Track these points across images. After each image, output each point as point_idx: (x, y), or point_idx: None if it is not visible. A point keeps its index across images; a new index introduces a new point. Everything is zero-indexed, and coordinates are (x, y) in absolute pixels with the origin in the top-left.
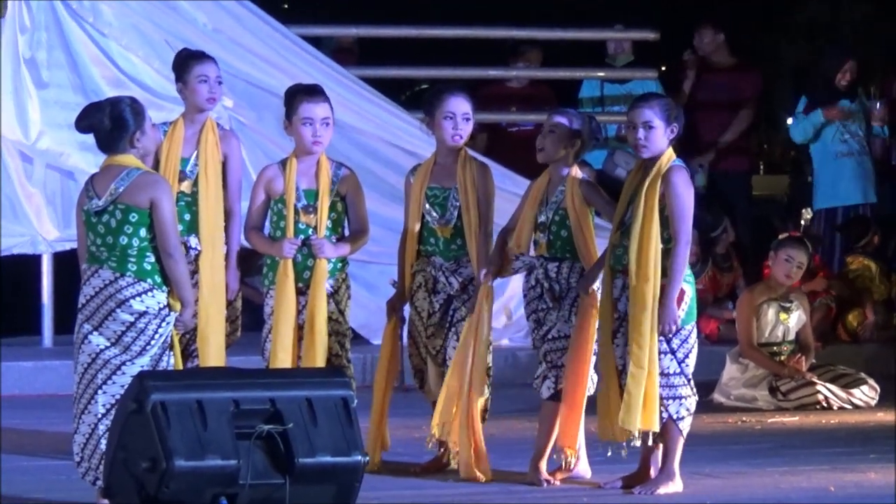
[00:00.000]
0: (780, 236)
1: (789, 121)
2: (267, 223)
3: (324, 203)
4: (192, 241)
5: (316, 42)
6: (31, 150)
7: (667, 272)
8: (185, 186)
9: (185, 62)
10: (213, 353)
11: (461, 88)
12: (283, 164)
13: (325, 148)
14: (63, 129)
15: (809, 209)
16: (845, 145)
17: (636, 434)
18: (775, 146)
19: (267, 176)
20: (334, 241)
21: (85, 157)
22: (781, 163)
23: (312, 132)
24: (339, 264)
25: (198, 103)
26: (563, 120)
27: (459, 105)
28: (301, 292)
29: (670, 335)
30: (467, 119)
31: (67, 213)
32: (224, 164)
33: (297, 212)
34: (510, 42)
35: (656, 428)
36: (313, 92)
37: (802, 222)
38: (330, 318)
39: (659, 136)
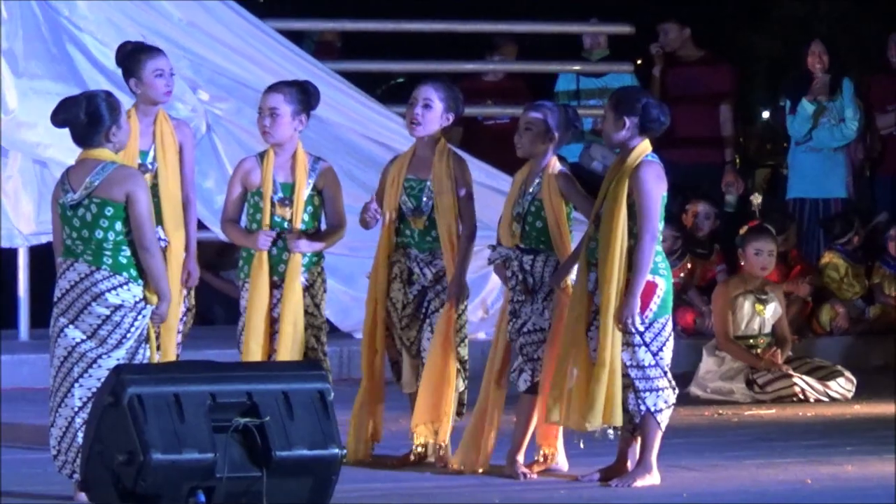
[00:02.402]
0: (741, 230)
1: (765, 115)
2: (243, 216)
3: (300, 196)
4: (160, 232)
5: (296, 36)
6: (10, 141)
7: (632, 266)
8: (147, 179)
9: (136, 57)
10: (173, 343)
11: (437, 78)
12: (261, 156)
13: (277, 139)
14: (41, 120)
15: (757, 194)
16: (813, 141)
17: (598, 430)
18: (751, 140)
19: (244, 168)
20: (310, 234)
21: (63, 149)
22: (757, 157)
23: (262, 123)
24: (315, 258)
25: (155, 98)
26: (537, 115)
27: (420, 91)
28: (276, 286)
29: (639, 329)
30: (426, 105)
31: (43, 205)
32: (180, 153)
33: (273, 205)
34: (486, 36)
35: (618, 422)
36: (272, 85)
37: (754, 209)
38: (306, 312)
39: (608, 126)
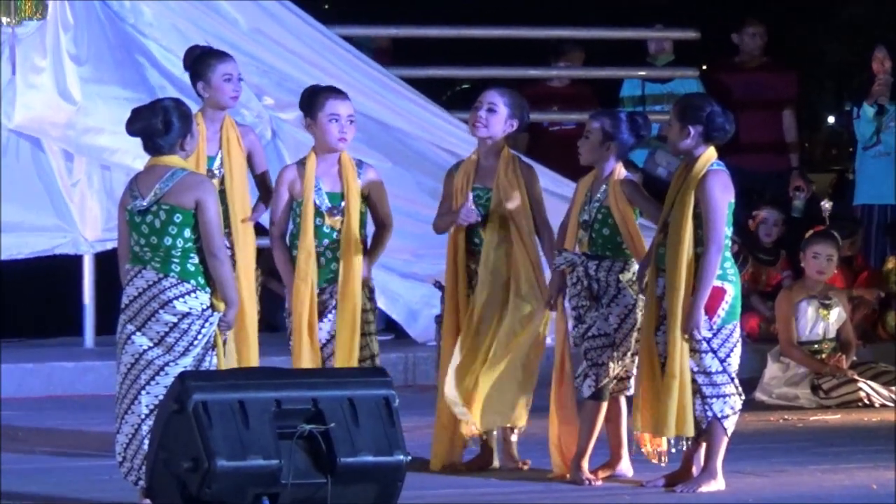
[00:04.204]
0: (807, 234)
1: (830, 119)
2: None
3: (352, 204)
4: (227, 240)
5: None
6: (77, 146)
7: (697, 276)
8: (215, 184)
9: (206, 61)
10: (253, 350)
11: (502, 85)
12: (302, 163)
13: (349, 143)
14: (108, 125)
15: (828, 199)
16: (881, 145)
17: (672, 440)
18: (816, 145)
19: (288, 178)
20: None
21: (130, 154)
22: (823, 161)
23: (339, 128)
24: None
25: (222, 102)
26: (594, 125)
27: (485, 96)
28: (324, 291)
29: (706, 335)
30: (491, 109)
31: (111, 210)
32: (250, 159)
33: (320, 214)
34: (552, 42)
35: (690, 433)
36: (337, 90)
37: (823, 215)
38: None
39: (673, 134)
